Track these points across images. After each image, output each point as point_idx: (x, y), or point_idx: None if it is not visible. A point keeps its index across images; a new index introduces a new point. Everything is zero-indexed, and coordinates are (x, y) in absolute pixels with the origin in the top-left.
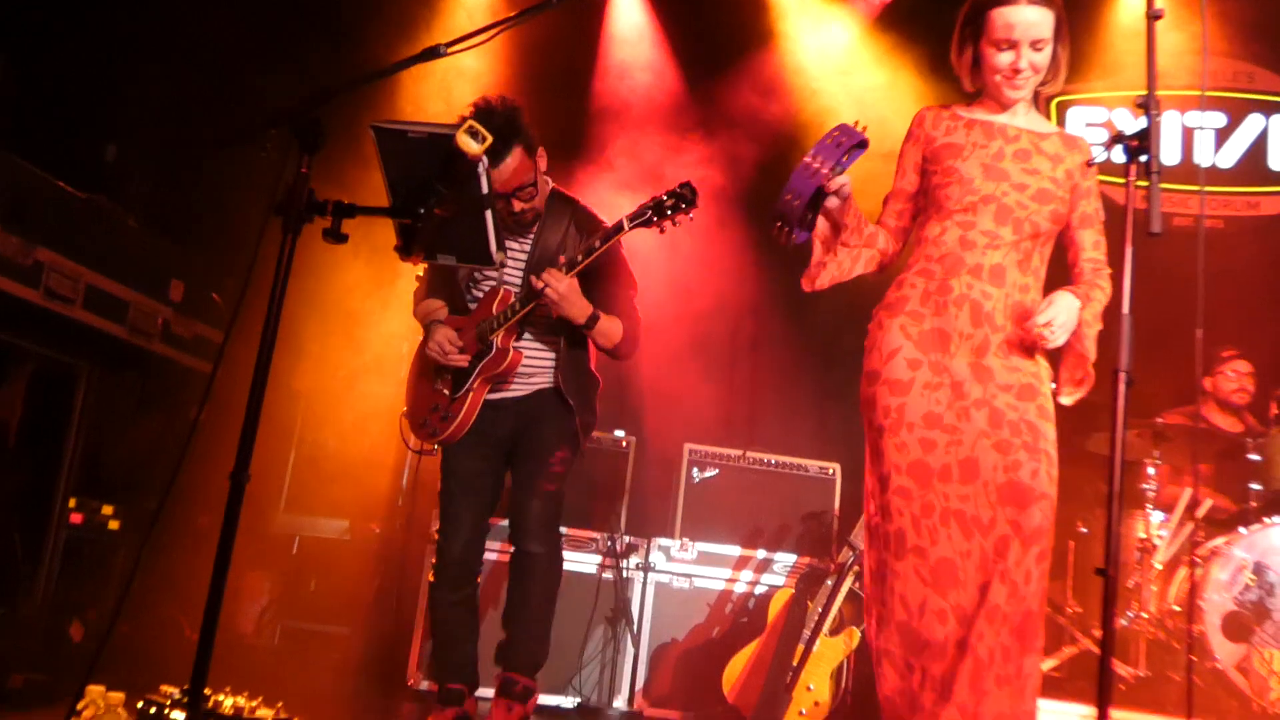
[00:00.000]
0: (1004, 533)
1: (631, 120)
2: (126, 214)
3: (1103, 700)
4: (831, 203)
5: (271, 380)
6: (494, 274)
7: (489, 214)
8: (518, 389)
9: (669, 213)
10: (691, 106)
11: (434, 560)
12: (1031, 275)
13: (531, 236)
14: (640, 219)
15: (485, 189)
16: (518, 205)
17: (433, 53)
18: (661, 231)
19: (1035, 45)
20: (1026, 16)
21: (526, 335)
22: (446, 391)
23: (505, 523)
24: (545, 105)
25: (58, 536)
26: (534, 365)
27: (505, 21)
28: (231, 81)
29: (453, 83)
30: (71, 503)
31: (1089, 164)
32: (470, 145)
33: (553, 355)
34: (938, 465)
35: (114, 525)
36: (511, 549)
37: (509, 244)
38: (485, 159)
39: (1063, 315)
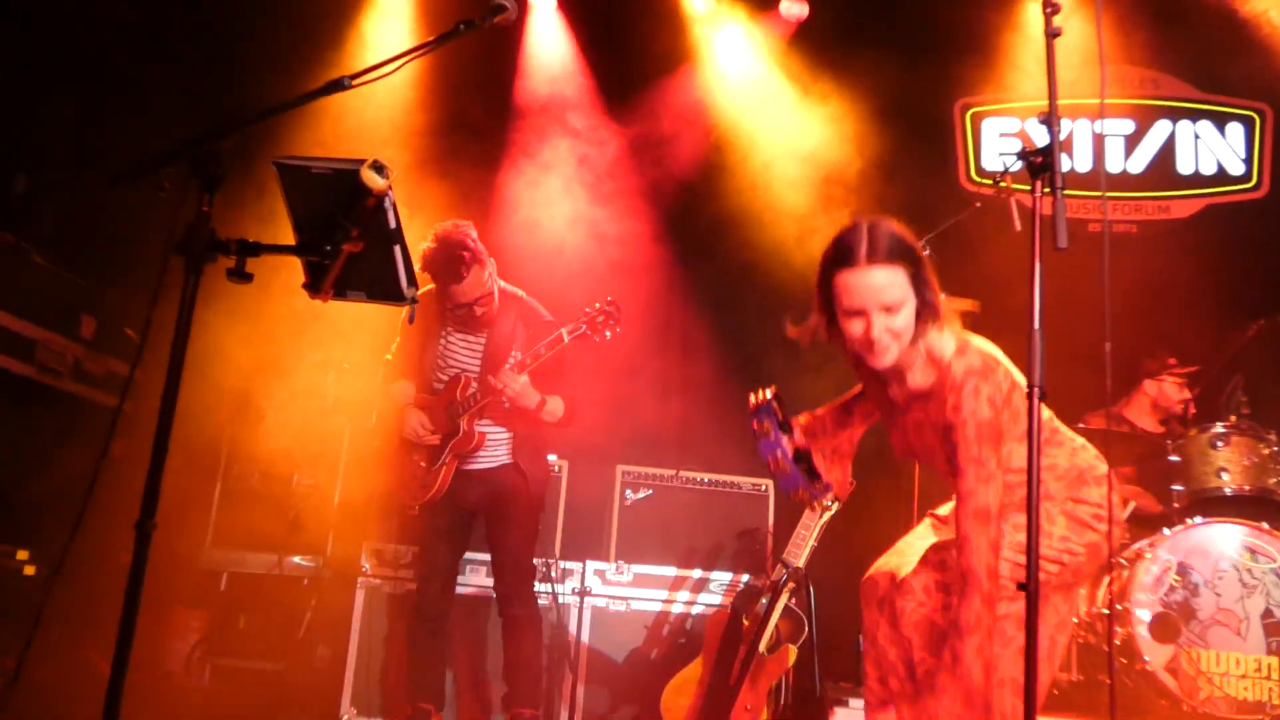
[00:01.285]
0: None
1: (551, 133)
2: (32, 250)
3: (1029, 711)
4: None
5: (194, 416)
6: (456, 362)
7: (398, 249)
8: (484, 462)
9: (599, 325)
10: (611, 120)
11: (414, 594)
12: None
13: (485, 332)
14: (576, 333)
15: (393, 224)
16: (478, 310)
17: (337, 85)
18: (597, 342)
19: (888, 310)
20: (872, 280)
21: (487, 418)
22: (424, 464)
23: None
24: (465, 117)
25: None
26: (495, 440)
27: (411, 51)
28: (143, 113)
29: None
30: None
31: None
32: (375, 181)
33: (510, 434)
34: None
35: (30, 570)
36: (498, 607)
37: (468, 337)
38: (391, 193)
39: None
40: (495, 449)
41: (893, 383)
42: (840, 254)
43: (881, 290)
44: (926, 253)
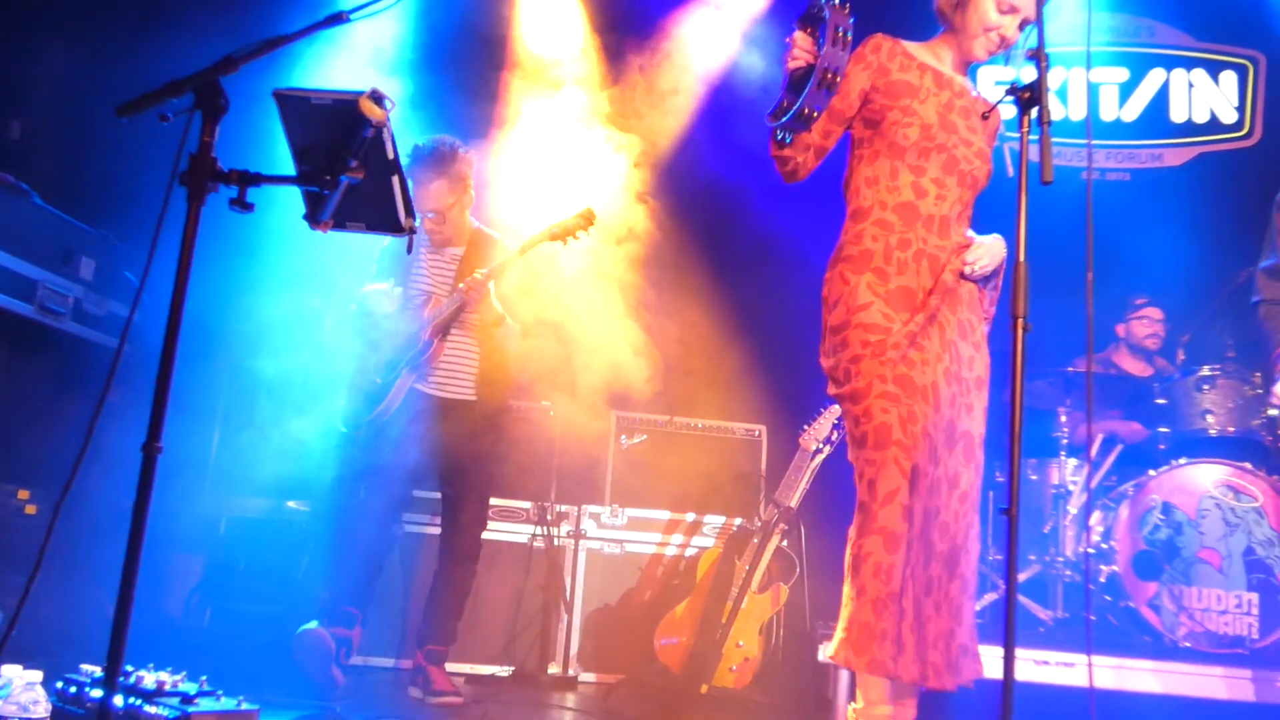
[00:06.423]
0: (949, 473)
1: (547, 73)
2: (31, 192)
3: (1009, 639)
4: None
5: (192, 359)
6: (426, 287)
7: (396, 180)
8: (442, 390)
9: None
10: (607, 58)
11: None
12: (966, 227)
13: (457, 264)
14: (534, 244)
15: (391, 154)
16: (428, 224)
17: (337, 18)
18: (564, 245)
19: (1023, 23)
20: None
21: (453, 334)
22: (378, 380)
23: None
24: (458, 63)
25: None
26: (454, 362)
27: None
28: (136, 52)
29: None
30: None
31: (984, 116)
32: (374, 110)
33: (471, 358)
34: (920, 383)
35: (31, 510)
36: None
37: (437, 260)
38: (389, 124)
39: (986, 258)
40: (456, 372)
41: (950, 69)
42: None
43: (1032, 6)
44: None
